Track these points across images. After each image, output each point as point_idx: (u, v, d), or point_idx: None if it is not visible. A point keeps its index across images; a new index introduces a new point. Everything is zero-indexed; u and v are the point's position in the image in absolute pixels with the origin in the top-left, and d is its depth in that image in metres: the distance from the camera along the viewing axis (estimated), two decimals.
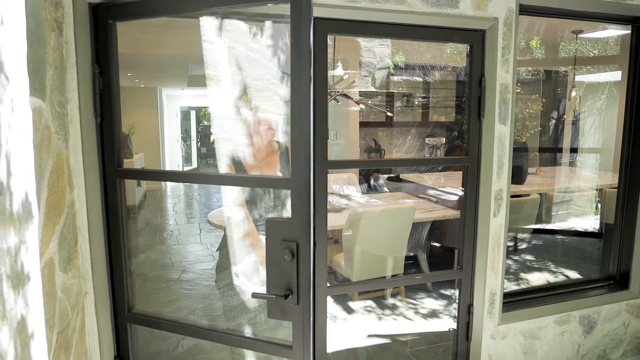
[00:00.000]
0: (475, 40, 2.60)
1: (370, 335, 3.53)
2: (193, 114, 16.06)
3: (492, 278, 2.78)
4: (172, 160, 12.65)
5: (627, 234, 3.24)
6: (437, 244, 4.77)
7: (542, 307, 2.99)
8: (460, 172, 2.93)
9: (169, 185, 11.60)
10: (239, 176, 2.22)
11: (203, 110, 17.33)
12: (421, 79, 7.82)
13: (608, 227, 3.54)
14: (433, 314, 3.88)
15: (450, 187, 5.10)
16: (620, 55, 4.24)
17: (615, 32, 4.65)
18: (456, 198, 4.54)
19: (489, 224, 2.73)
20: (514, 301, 3.02)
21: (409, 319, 3.80)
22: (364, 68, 6.71)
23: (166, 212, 8.64)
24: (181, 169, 12.99)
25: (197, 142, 16.18)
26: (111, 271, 2.20)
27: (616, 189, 3.35)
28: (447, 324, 3.73)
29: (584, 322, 3.10)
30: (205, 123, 17.97)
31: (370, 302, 4.03)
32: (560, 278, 4.50)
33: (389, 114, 7.60)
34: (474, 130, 2.70)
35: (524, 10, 2.65)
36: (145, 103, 10.17)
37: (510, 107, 2.67)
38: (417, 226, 4.19)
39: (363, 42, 6.17)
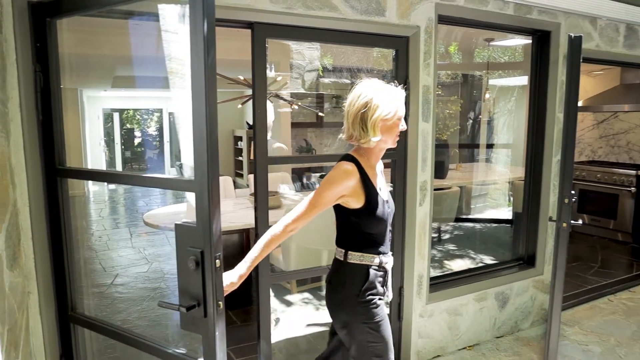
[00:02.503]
0: (400, 45, 2.86)
1: (309, 325, 3.71)
2: (116, 116, 15.41)
3: (419, 262, 3.06)
4: (95, 165, 12.10)
5: (533, 220, 3.66)
6: None
7: (463, 287, 3.32)
8: (386, 169, 3.17)
9: (92, 190, 11.15)
10: (150, 176, 2.11)
11: (126, 112, 16.71)
12: (349, 81, 8.14)
13: (518, 215, 3.98)
14: None
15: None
16: (525, 61, 4.72)
17: (521, 41, 5.17)
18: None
19: (415, 212, 3.00)
20: (439, 283, 3.32)
21: None
22: (294, 70, 6.88)
23: (92, 218, 8.30)
24: None
25: (121, 146, 15.56)
26: (54, 271, 2.20)
27: (523, 181, 3.78)
28: None
29: (499, 298, 3.47)
30: (128, 126, 17.34)
31: (307, 295, 4.21)
32: (479, 261, 4.93)
33: (320, 114, 7.84)
34: None
35: (442, 19, 2.94)
36: (65, 105, 9.66)
37: (431, 106, 2.96)
38: None
39: (293, 44, 6.33)
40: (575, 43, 2.81)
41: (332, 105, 8.44)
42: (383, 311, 1.92)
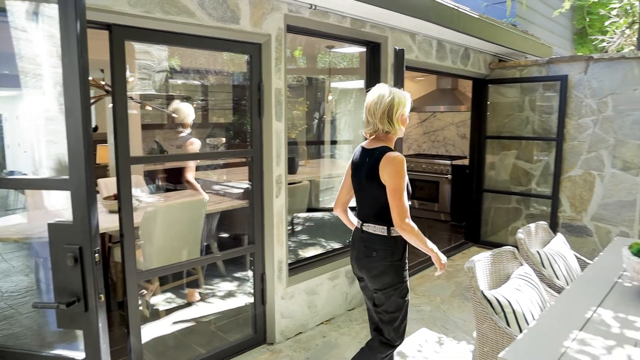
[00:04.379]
0: (254, 51, 3.11)
1: (175, 322, 3.76)
2: None
3: (278, 249, 3.35)
4: None
5: None
6: (226, 234, 5.21)
7: (318, 269, 3.72)
8: (240, 168, 3.38)
9: None
10: (19, 178, 2.15)
11: None
12: (199, 83, 8.15)
13: None
14: (230, 293, 4.31)
15: (234, 181, 5.58)
16: (362, 67, 5.34)
17: (358, 49, 5.79)
18: (240, 190, 5.03)
19: (273, 204, 3.28)
20: (297, 267, 3.67)
21: (210, 302, 4.15)
22: (142, 71, 6.70)
23: None
24: None
25: None
26: None
27: None
28: (244, 299, 4.20)
29: (348, 275, 3.95)
30: None
31: (170, 294, 4.23)
32: (330, 246, 5.43)
33: (175, 115, 7.70)
34: (255, 126, 3.21)
35: (290, 29, 3.27)
36: None
37: (283, 107, 3.27)
38: (208, 218, 4.54)
39: (138, 45, 6.17)
40: (399, 54, 3.38)
41: None
42: None
